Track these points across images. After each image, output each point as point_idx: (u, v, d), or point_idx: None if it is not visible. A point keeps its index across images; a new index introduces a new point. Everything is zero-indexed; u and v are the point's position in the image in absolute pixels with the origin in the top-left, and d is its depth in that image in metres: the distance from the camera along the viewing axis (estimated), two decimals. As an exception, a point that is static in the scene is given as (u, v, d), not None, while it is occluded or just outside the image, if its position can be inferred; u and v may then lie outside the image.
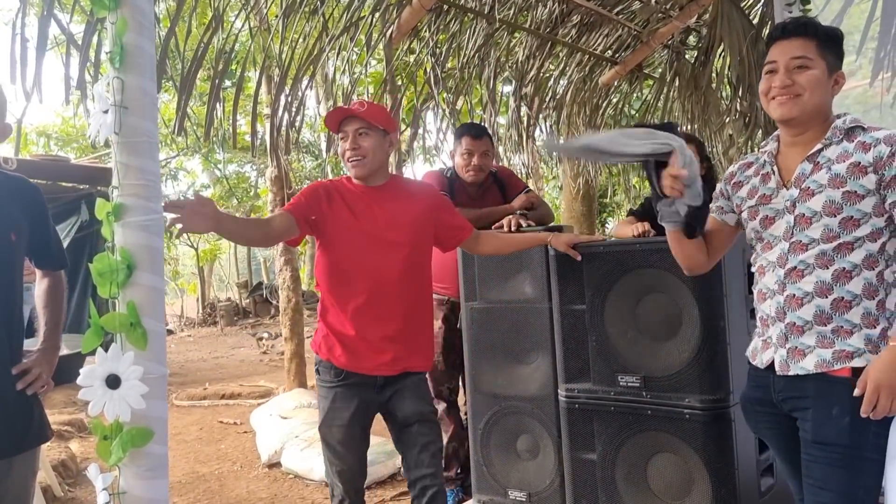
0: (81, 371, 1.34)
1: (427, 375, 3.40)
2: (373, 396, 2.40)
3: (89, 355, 1.39)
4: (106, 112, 1.37)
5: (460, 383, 3.60)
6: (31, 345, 2.05)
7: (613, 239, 2.75)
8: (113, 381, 1.33)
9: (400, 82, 4.90)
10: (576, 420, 2.74)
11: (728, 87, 5.76)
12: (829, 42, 1.77)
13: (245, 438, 5.37)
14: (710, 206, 2.00)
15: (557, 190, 14.74)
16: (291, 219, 2.28)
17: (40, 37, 2.38)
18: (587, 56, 5.39)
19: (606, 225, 16.30)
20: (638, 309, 2.58)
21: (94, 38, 2.70)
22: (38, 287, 2.10)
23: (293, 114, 3.73)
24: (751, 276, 1.98)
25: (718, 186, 2.02)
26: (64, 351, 7.63)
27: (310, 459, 4.24)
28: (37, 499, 3.46)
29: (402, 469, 3.98)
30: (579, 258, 2.63)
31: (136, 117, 1.39)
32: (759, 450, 2.55)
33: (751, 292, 1.97)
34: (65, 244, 8.80)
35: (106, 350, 1.35)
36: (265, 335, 12.54)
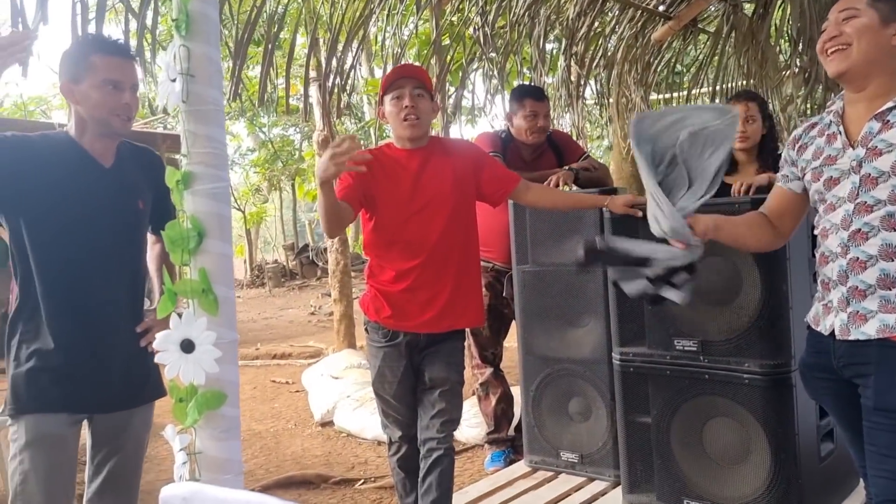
0: (158, 335, 1.38)
1: (472, 341, 3.45)
2: (415, 355, 2.48)
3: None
4: (174, 80, 1.38)
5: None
6: None
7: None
8: (187, 346, 1.36)
9: (448, 42, 4.84)
10: (630, 383, 2.73)
11: (788, 41, 5.55)
12: None
13: (297, 398, 5.50)
14: (777, 174, 1.94)
15: (603, 150, 14.51)
16: (349, 208, 2.35)
17: (99, 4, 2.40)
18: (640, 11, 5.23)
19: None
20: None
21: (150, 6, 2.72)
22: (150, 251, 2.17)
23: (344, 76, 3.72)
24: (814, 238, 1.92)
25: (783, 153, 1.96)
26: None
27: (362, 419, 4.33)
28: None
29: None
30: (640, 215, 2.57)
31: (202, 85, 1.40)
32: (820, 415, 2.52)
33: (814, 255, 1.91)
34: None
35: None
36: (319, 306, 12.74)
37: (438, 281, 2.41)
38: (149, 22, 2.75)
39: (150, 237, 2.16)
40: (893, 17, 1.69)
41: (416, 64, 3.09)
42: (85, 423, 1.96)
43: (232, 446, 1.42)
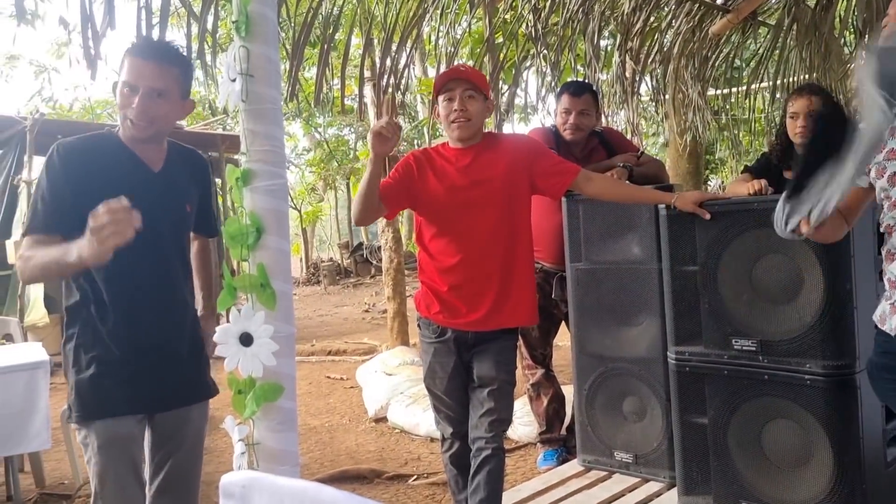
0: (218, 329, 1.42)
1: (522, 341, 3.43)
2: (464, 352, 2.49)
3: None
4: (234, 80, 1.42)
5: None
6: None
7: (732, 197, 2.62)
8: (246, 339, 1.40)
9: (501, 40, 4.83)
10: (686, 383, 2.69)
11: (853, 32, 5.36)
12: None
13: (352, 393, 5.57)
14: None
15: (658, 147, 14.27)
16: (381, 204, 2.42)
17: (163, 9, 2.48)
18: (697, 5, 5.13)
19: (709, 183, 15.66)
20: (755, 270, 2.48)
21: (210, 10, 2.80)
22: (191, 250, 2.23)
23: (398, 76, 3.75)
24: (881, 236, 1.86)
25: None
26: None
27: (415, 415, 4.36)
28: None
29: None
30: (707, 216, 2.52)
31: (261, 85, 1.43)
32: (886, 418, 2.43)
33: (880, 253, 1.85)
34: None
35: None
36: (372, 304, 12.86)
37: (486, 279, 2.42)
38: (209, 26, 2.83)
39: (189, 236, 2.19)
40: None
41: (469, 64, 3.08)
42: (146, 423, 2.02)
43: (289, 438, 1.45)
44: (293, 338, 1.48)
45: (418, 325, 2.61)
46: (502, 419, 2.48)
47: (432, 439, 4.15)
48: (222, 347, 1.42)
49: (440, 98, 2.45)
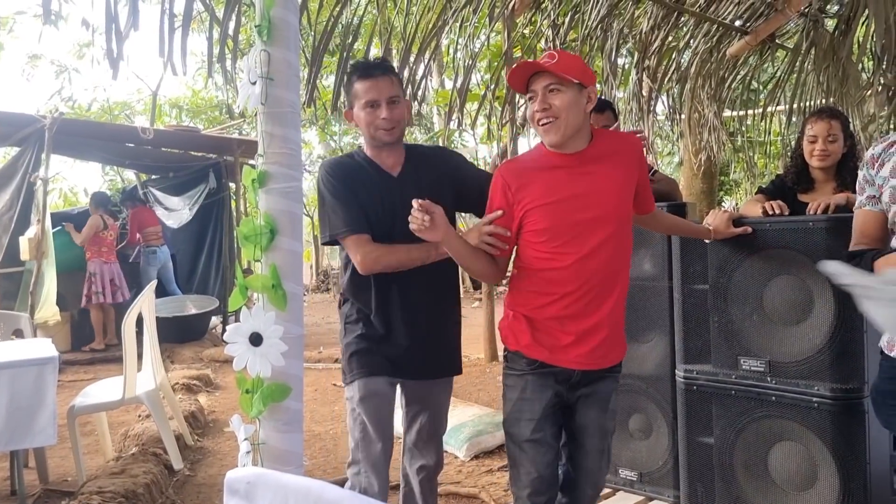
0: (228, 328, 1.43)
1: None
2: (565, 392, 2.08)
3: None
4: (254, 83, 1.44)
5: None
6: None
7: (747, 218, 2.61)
8: (256, 339, 1.41)
9: (519, 54, 4.86)
10: (693, 402, 2.68)
11: (871, 58, 5.36)
12: None
13: (357, 401, 5.56)
14: (859, 196, 1.87)
15: (673, 166, 14.26)
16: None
17: (186, 13, 2.52)
18: (715, 26, 5.14)
19: (723, 204, 15.62)
20: (765, 291, 2.47)
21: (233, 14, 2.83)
22: None
23: (416, 86, 3.78)
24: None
25: (861, 173, 1.88)
26: (191, 311, 8.12)
27: (420, 425, 4.34)
28: (170, 446, 3.74)
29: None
30: (750, 230, 2.46)
31: (280, 88, 1.45)
32: (894, 445, 2.41)
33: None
34: (194, 210, 9.25)
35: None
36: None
37: (597, 306, 2.02)
38: (231, 31, 2.86)
39: None
40: None
41: (557, 50, 2.70)
42: (399, 387, 2.39)
43: (294, 438, 1.46)
44: (302, 339, 1.49)
45: (505, 358, 2.17)
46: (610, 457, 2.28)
47: (436, 450, 4.14)
48: (232, 346, 1.43)
49: (527, 96, 2.04)
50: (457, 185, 2.31)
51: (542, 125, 1.97)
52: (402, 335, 2.28)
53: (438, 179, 2.28)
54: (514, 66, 2.05)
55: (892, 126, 5.46)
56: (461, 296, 2.53)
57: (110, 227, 7.87)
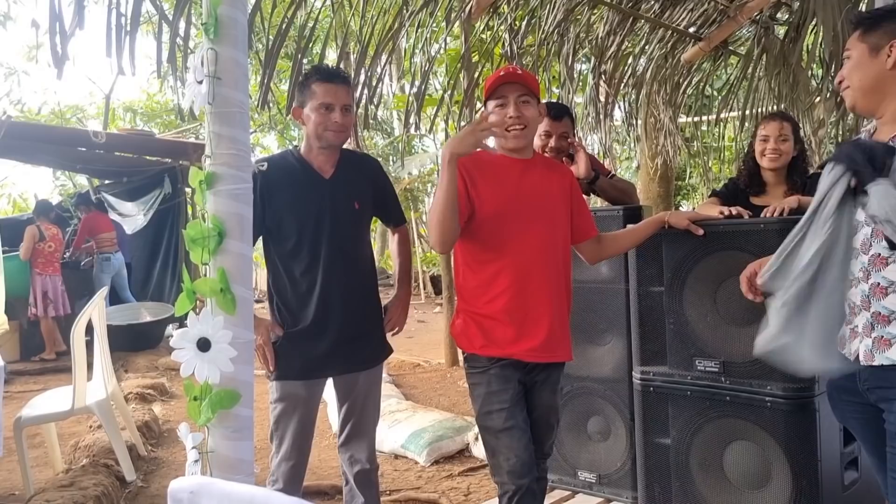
0: (175, 333, 1.39)
1: None
2: (524, 378, 2.23)
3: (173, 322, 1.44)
4: (200, 82, 1.40)
5: None
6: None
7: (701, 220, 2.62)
8: (204, 344, 1.37)
9: (476, 59, 4.86)
10: (650, 403, 2.70)
11: (820, 65, 5.50)
12: (873, 23, 1.74)
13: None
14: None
15: (631, 171, 14.45)
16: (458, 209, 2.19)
17: (134, 12, 2.46)
18: (670, 32, 5.22)
19: (680, 207, 15.87)
20: (719, 292, 2.50)
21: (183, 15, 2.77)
22: (391, 243, 2.68)
23: (372, 90, 3.75)
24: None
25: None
26: (146, 318, 7.93)
27: (380, 432, 4.29)
28: (122, 456, 3.64)
29: (469, 445, 4.03)
30: (700, 232, 2.48)
31: (228, 88, 1.42)
32: (844, 442, 2.46)
33: (842, 278, 1.88)
34: (148, 216, 9.09)
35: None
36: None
37: (537, 304, 2.18)
38: (181, 31, 2.80)
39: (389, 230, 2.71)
40: (884, 40, 1.71)
41: (521, 68, 2.76)
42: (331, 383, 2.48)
43: (244, 446, 1.42)
44: (252, 344, 1.46)
45: (465, 360, 2.30)
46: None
47: (396, 456, 4.11)
48: (179, 352, 1.39)
49: (490, 103, 2.21)
50: (377, 191, 2.52)
51: (513, 130, 2.18)
52: (321, 331, 2.34)
53: (365, 185, 2.46)
54: (504, 73, 2.23)
55: (840, 130, 5.61)
56: (381, 290, 2.63)
57: (49, 237, 7.52)
